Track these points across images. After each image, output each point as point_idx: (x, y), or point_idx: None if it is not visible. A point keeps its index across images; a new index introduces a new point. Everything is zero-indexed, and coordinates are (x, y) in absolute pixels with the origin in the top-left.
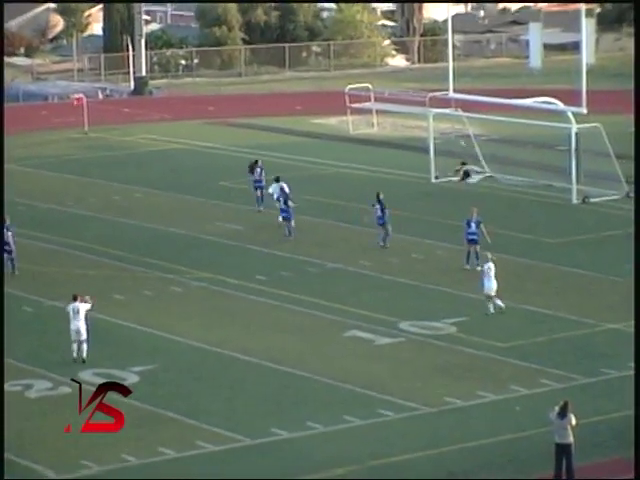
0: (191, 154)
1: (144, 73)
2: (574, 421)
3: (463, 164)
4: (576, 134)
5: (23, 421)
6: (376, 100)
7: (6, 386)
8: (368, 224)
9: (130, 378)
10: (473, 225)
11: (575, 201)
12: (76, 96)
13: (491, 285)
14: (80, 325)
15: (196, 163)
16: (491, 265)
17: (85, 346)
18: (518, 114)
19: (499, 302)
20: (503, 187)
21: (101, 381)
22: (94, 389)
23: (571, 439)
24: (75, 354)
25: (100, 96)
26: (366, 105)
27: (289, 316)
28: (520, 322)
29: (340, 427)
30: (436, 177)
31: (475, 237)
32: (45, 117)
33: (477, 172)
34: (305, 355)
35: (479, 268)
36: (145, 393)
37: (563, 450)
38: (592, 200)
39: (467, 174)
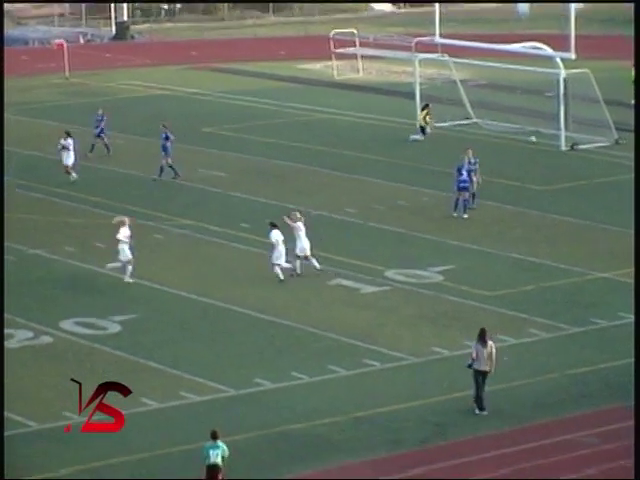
0: (174, 100)
1: (126, 18)
2: (494, 350)
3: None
4: (564, 80)
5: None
6: (361, 45)
7: None
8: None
9: (111, 327)
10: (464, 172)
11: (563, 148)
12: (57, 41)
13: (303, 245)
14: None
15: (179, 109)
16: (300, 224)
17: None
18: (506, 59)
19: (315, 262)
20: (490, 133)
21: (82, 330)
22: (74, 338)
23: (488, 367)
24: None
25: (81, 41)
26: (351, 50)
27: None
28: (508, 270)
29: (325, 377)
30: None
31: (466, 185)
32: (26, 62)
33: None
34: (289, 304)
35: (465, 216)
36: (127, 343)
37: (482, 376)
38: (581, 147)
39: (423, 129)
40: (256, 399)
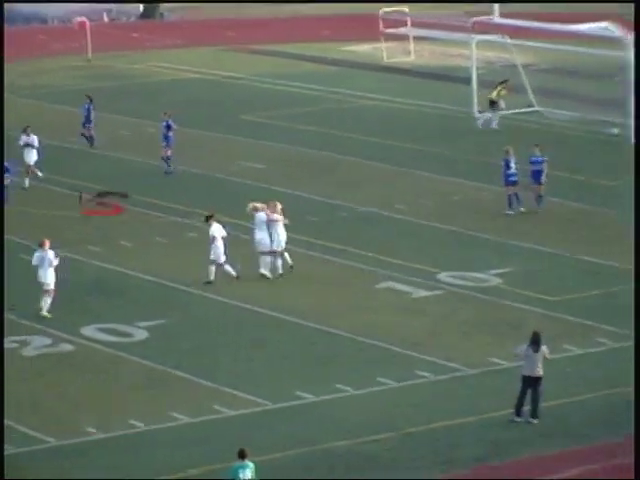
0: (208, 84)
1: None
2: (548, 354)
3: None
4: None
5: (19, 382)
6: (413, 25)
7: None
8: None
9: (138, 334)
10: (513, 165)
11: (633, 139)
12: (78, 19)
13: (280, 239)
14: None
15: (214, 94)
16: (279, 216)
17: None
18: (571, 41)
19: (288, 258)
20: (553, 123)
21: (105, 337)
22: (97, 346)
23: (542, 372)
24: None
25: (105, 19)
26: (402, 30)
27: (316, 266)
28: (572, 273)
29: (372, 390)
30: (479, 111)
31: (515, 178)
32: (44, 42)
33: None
34: (334, 309)
35: (522, 209)
36: (155, 351)
37: (532, 383)
38: None
39: (494, 104)
40: (296, 413)
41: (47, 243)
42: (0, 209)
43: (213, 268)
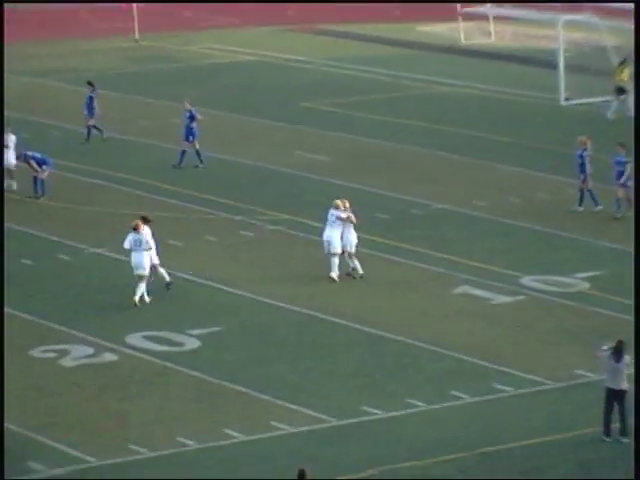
0: (266, 68)
1: None
2: (631, 364)
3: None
4: None
5: (57, 395)
6: (493, 3)
7: (37, 352)
8: None
9: (189, 343)
10: (588, 156)
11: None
12: None
13: (351, 240)
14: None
15: (272, 79)
16: (341, 214)
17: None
18: None
19: (358, 265)
20: None
21: (153, 347)
22: (143, 356)
23: (626, 385)
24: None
25: None
26: (481, 10)
27: (385, 268)
28: None
29: (446, 405)
30: (566, 99)
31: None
32: (87, 21)
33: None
34: (405, 316)
35: (600, 208)
36: (207, 361)
37: (616, 396)
38: None
39: (622, 91)
40: (362, 431)
41: (141, 226)
42: (0, 207)
43: (163, 270)
